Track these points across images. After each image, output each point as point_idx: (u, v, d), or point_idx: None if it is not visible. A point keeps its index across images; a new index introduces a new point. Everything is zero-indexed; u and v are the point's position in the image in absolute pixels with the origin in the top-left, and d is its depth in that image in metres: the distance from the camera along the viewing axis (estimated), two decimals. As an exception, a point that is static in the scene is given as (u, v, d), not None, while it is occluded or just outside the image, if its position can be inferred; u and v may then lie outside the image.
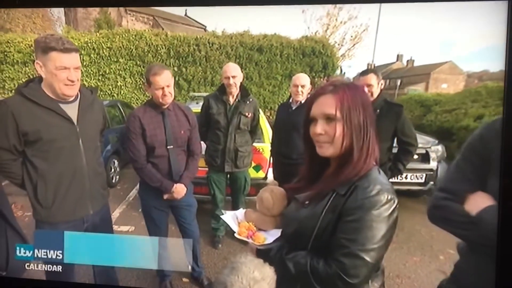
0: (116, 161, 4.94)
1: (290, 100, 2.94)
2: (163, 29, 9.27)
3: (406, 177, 3.93)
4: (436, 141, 4.39)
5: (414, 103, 7.29)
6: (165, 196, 2.19)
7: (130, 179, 4.95)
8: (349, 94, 0.99)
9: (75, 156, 1.69)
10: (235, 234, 1.16)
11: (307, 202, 1.04)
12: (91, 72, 8.50)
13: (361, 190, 0.94)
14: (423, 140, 3.99)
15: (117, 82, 8.58)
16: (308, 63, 8.51)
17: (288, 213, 1.12)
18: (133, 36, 8.53)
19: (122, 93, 8.60)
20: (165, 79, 2.04)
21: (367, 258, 0.90)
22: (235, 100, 2.80)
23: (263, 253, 1.08)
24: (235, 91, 2.77)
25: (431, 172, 4.00)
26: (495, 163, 1.04)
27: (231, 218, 1.23)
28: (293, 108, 2.88)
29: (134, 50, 8.51)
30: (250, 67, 8.45)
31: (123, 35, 8.53)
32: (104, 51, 8.48)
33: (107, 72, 8.54)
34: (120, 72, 8.56)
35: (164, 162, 2.17)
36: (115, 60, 8.53)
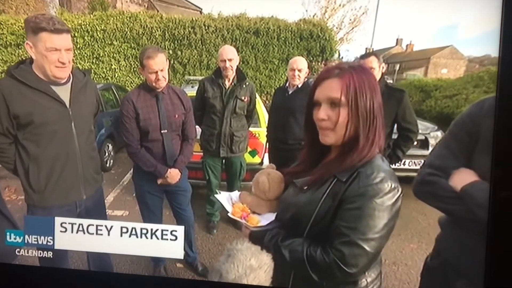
0: (110, 145, 4.93)
1: (287, 84, 2.90)
2: (158, 11, 9.11)
3: (404, 164, 3.91)
4: (436, 127, 4.37)
5: (413, 88, 7.25)
6: (159, 181, 2.17)
7: (124, 163, 4.95)
8: (356, 77, 0.94)
9: (67, 140, 1.65)
10: (229, 214, 1.14)
11: (305, 187, 1.01)
12: (85, 55, 8.41)
13: (364, 177, 0.90)
14: (422, 126, 3.95)
15: (112, 65, 8.49)
16: (306, 47, 8.42)
17: (286, 197, 1.10)
18: (128, 18, 8.41)
19: (116, 76, 8.52)
20: (159, 63, 2.00)
21: (367, 248, 0.87)
22: (231, 83, 2.77)
23: (257, 239, 1.06)
24: (231, 74, 2.74)
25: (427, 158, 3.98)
26: (482, 140, 1.04)
27: (226, 198, 1.20)
28: (290, 92, 2.85)
29: (128, 32, 8.39)
30: (246, 50, 8.37)
31: (117, 17, 8.40)
32: (98, 33, 8.36)
33: (101, 55, 8.44)
34: (114, 55, 8.46)
35: (158, 147, 2.15)
36: (109, 42, 8.42)
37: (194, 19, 8.46)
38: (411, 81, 8.19)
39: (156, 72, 2.01)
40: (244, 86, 2.80)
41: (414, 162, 3.97)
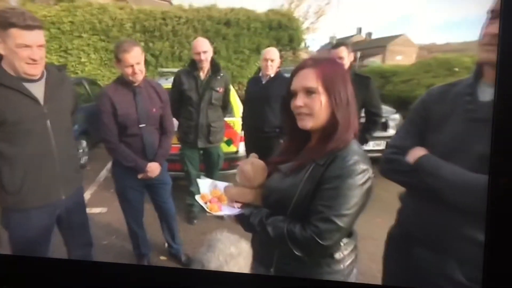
0: (84, 142, 4.64)
1: (260, 74, 2.88)
2: (127, 2, 8.67)
3: (367, 145, 4.01)
4: (394, 110, 4.53)
5: (374, 74, 7.39)
6: (140, 176, 2.07)
7: (99, 159, 4.65)
8: (330, 67, 1.00)
9: (43, 139, 1.52)
10: (196, 196, 1.16)
11: (289, 173, 1.05)
12: (52, 48, 7.85)
13: (340, 160, 0.95)
14: (382, 110, 4.07)
15: (81, 58, 8.01)
16: (275, 37, 8.37)
17: (270, 183, 1.11)
18: (96, 10, 7.93)
19: (86, 69, 8.06)
20: (134, 56, 1.90)
21: (340, 223, 0.92)
22: (206, 75, 2.70)
23: (244, 218, 1.08)
24: (207, 66, 2.67)
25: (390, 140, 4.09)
26: (432, 122, 1.18)
27: (208, 185, 1.21)
28: (264, 82, 2.83)
29: (97, 24, 7.93)
30: (217, 41, 8.18)
31: (85, 9, 7.90)
32: (66, 25, 7.83)
33: (69, 48, 7.93)
34: (84, 47, 7.98)
35: (137, 141, 2.04)
36: (78, 35, 7.93)
37: (164, 10, 8.13)
38: (372, 68, 8.35)
39: (133, 65, 1.91)
40: (219, 77, 2.73)
41: (376, 143, 4.08)
